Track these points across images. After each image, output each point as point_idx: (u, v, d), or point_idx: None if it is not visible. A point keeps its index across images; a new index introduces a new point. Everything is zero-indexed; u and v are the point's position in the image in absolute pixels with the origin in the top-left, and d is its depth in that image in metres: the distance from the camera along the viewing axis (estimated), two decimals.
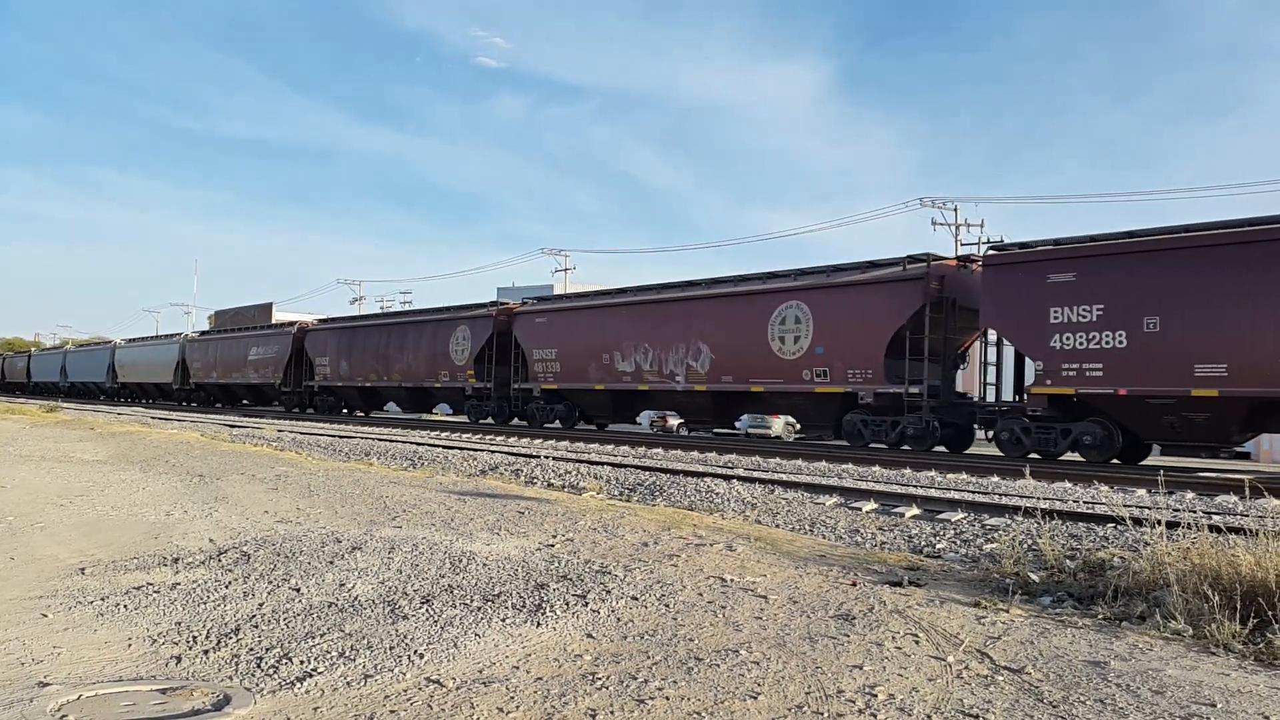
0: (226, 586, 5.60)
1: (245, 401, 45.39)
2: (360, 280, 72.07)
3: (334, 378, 35.54)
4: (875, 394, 18.66)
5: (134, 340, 58.07)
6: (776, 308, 20.54)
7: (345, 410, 36.97)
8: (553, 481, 12.83)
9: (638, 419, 28.43)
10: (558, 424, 26.99)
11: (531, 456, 15.90)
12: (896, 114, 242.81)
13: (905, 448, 18.48)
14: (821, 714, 3.60)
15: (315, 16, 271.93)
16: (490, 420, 28.73)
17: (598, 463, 14.84)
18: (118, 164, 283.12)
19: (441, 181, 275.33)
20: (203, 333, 50.66)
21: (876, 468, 14.63)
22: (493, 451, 17.16)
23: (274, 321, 41.46)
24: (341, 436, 21.68)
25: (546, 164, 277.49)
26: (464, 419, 31.76)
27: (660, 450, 18.49)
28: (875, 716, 3.57)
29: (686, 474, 12.96)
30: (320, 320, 40.21)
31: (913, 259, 18.59)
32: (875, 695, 3.81)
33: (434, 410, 35.90)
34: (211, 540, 7.28)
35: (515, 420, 28.81)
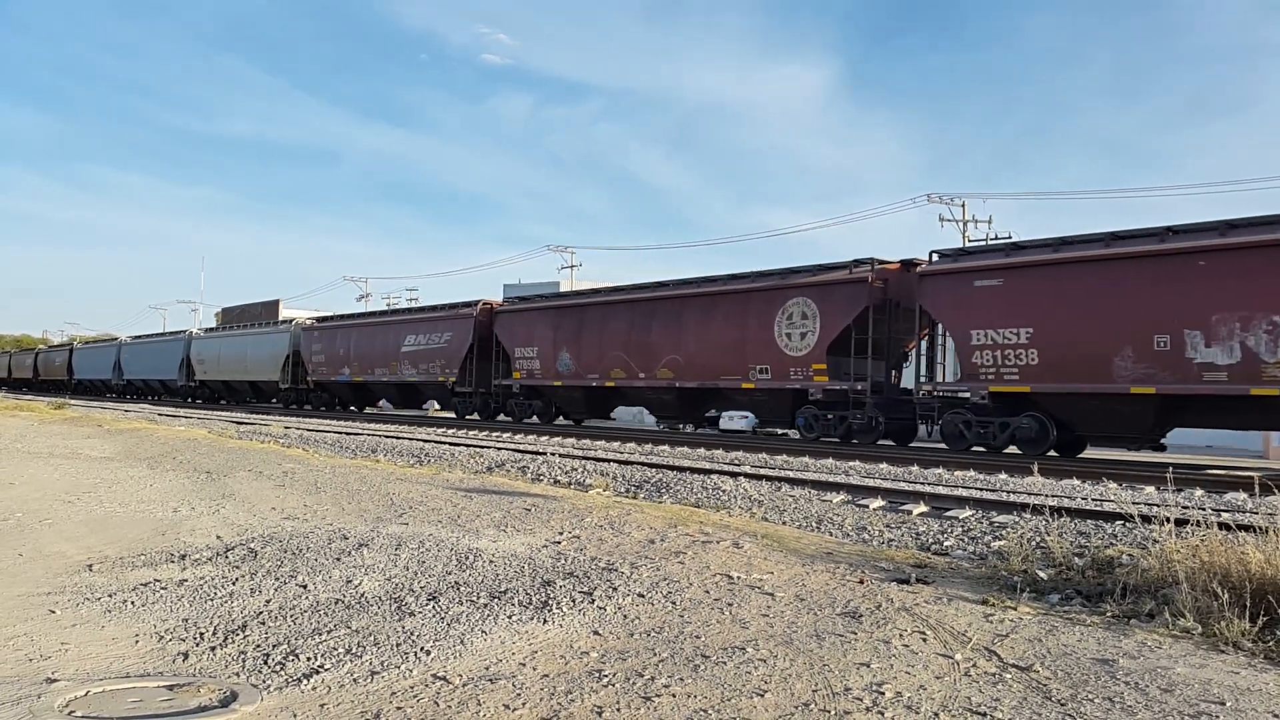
0: (234, 583, 5.61)
1: (384, 403, 37.38)
2: (366, 278, 71.76)
3: (547, 374, 26.68)
4: None
5: (216, 330, 49.89)
6: None
7: (559, 417, 28.16)
8: (559, 479, 12.84)
9: (1163, 440, 16.88)
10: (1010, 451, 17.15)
11: (538, 453, 15.91)
12: (900, 113, 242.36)
13: None
14: (829, 711, 3.59)
15: (318, 16, 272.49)
16: (837, 440, 19.71)
17: (604, 460, 14.84)
18: (121, 164, 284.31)
19: (445, 180, 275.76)
20: (322, 319, 40.83)
21: (884, 465, 14.61)
22: (499, 448, 17.17)
23: (441, 304, 32.37)
24: (348, 434, 21.72)
25: (550, 163, 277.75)
26: (756, 432, 23.69)
27: (667, 447, 18.48)
28: (883, 714, 3.56)
29: (693, 471, 12.95)
30: (514, 299, 31.05)
31: None
32: (883, 693, 3.80)
33: (707, 419, 26.07)
34: (219, 537, 7.30)
35: (880, 440, 19.59)
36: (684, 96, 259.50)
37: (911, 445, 20.28)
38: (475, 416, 29.59)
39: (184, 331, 51.84)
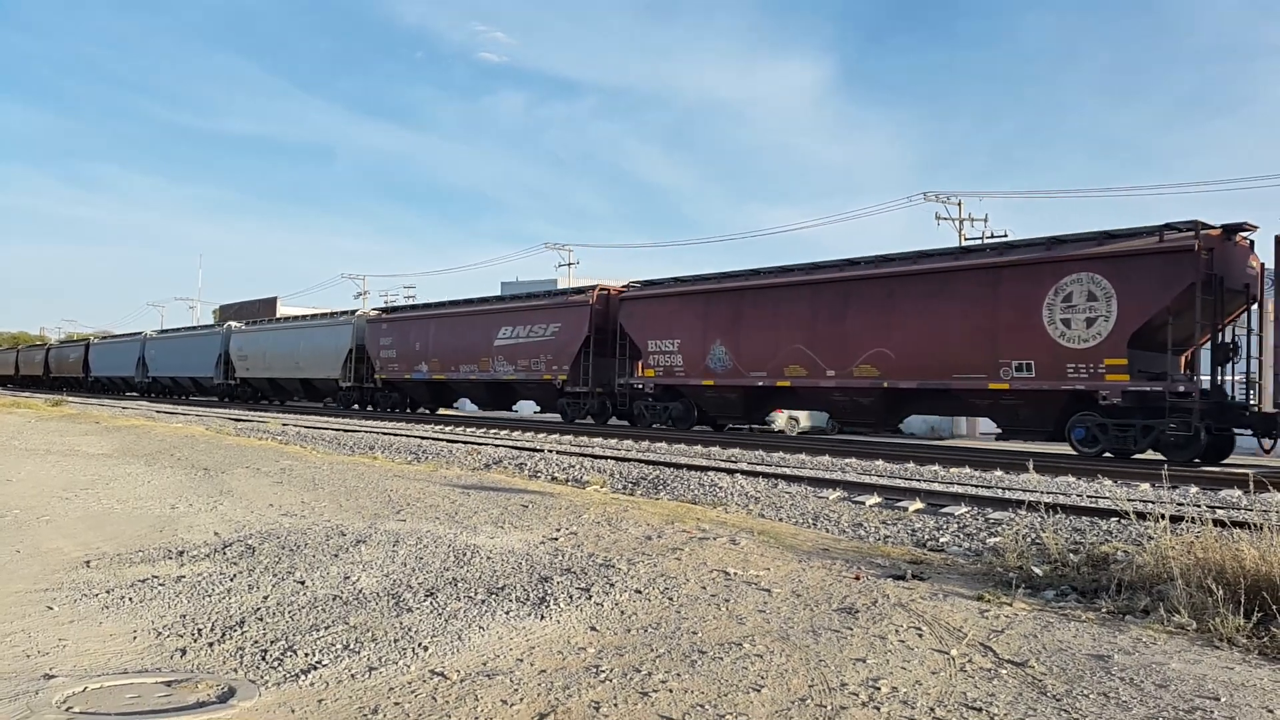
0: (231, 579, 5.62)
1: (464, 404, 32.86)
2: (364, 276, 71.55)
3: (692, 372, 22.26)
4: None
5: (260, 323, 44.46)
6: None
7: (699, 423, 23.62)
8: (556, 475, 12.84)
9: None
10: None
11: (535, 450, 15.92)
12: (896, 112, 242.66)
13: None
14: (824, 706, 3.60)
15: (315, 13, 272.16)
16: (1111, 456, 15.77)
17: (601, 457, 14.85)
18: (120, 161, 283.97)
19: (442, 178, 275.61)
20: (393, 309, 35.83)
21: (880, 462, 14.63)
22: (497, 445, 17.18)
23: (548, 289, 28.43)
24: (346, 430, 21.71)
25: (547, 161, 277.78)
26: (1018, 446, 19.08)
27: (664, 444, 18.49)
28: (878, 709, 3.58)
29: (690, 468, 12.96)
30: (641, 282, 25.28)
31: None
32: (878, 688, 3.82)
33: (913, 422, 22.30)
34: (216, 533, 7.30)
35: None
36: (681, 94, 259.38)
37: (903, 439, 19.75)
38: (588, 421, 25.74)
39: (222, 325, 47.12)
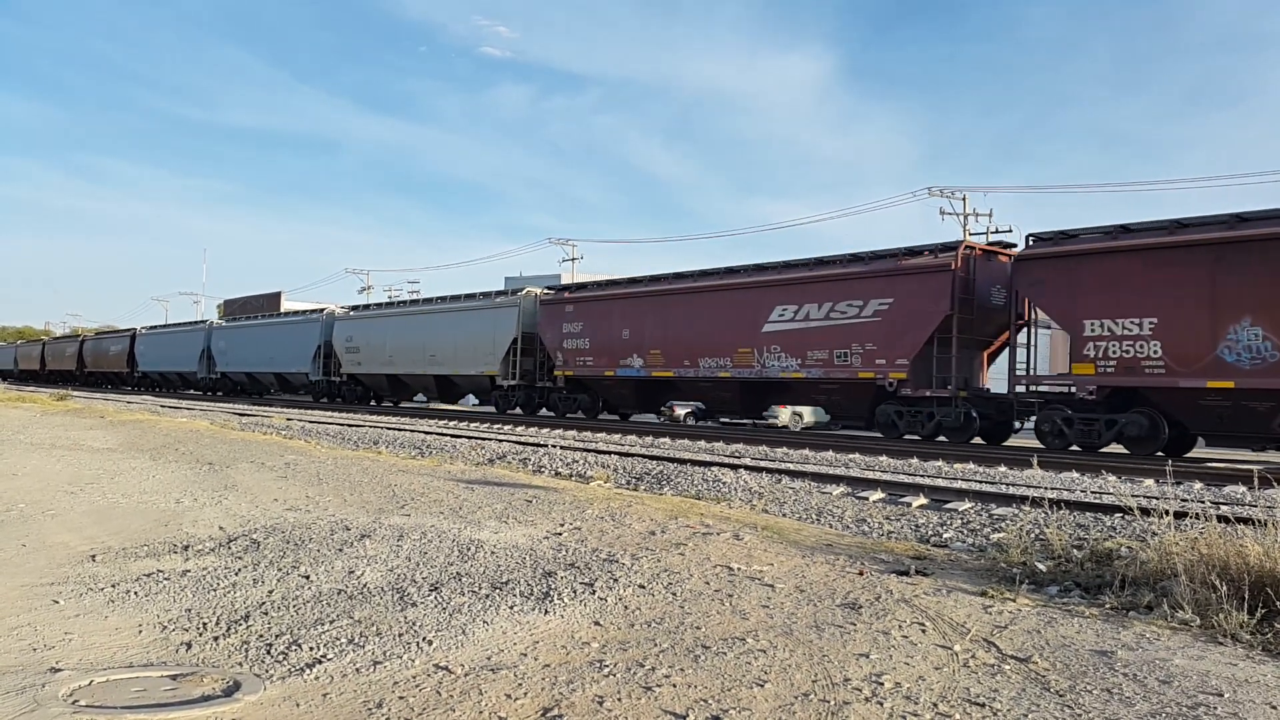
0: (236, 574, 5.64)
1: (683, 408, 27.09)
2: (367, 270, 71.44)
3: (1183, 365, 14.81)
4: None
5: (373, 308, 36.89)
6: None
7: (1170, 445, 15.85)
8: (560, 470, 12.86)
9: None
10: None
11: (539, 445, 15.93)
12: (900, 104, 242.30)
13: None
14: (828, 702, 3.61)
15: (318, 5, 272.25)
16: None
17: (605, 452, 14.86)
18: (122, 154, 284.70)
19: (445, 171, 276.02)
20: (572, 288, 28.49)
21: (884, 457, 14.63)
22: (500, 440, 17.20)
23: (860, 251, 20.13)
24: (350, 425, 21.75)
25: (550, 154, 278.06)
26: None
27: (667, 439, 18.50)
28: (882, 704, 3.58)
29: (693, 463, 12.96)
30: (1041, 235, 17.37)
31: None
32: (882, 683, 3.82)
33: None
34: (221, 528, 7.32)
35: None
36: (683, 87, 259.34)
37: (905, 438, 19.02)
38: (918, 439, 18.50)
39: (321, 309, 40.43)
